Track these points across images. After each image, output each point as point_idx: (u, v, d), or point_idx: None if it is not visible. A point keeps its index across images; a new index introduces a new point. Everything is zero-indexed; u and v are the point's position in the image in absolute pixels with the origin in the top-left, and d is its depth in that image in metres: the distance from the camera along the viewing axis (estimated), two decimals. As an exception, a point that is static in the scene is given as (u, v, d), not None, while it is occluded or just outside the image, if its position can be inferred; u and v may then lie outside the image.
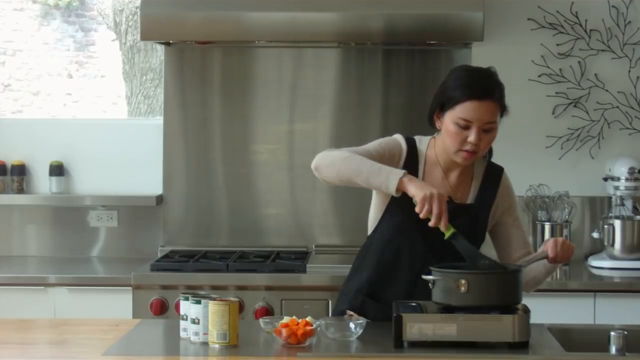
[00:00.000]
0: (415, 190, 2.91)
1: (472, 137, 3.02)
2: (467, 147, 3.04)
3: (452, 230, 2.94)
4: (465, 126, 3.03)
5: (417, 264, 3.09)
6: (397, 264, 3.14)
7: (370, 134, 4.47)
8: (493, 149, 3.25)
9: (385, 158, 3.11)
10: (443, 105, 3.07)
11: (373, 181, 2.97)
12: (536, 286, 3.19)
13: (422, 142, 3.19)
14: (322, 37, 4.44)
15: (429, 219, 2.92)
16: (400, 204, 3.06)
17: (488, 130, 3.05)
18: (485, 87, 3.04)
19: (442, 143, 3.13)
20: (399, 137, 3.19)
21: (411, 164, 3.14)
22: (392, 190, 2.94)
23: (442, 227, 2.92)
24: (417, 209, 2.91)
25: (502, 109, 3.09)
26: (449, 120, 3.05)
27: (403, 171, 2.96)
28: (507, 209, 3.22)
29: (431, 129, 3.17)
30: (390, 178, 2.94)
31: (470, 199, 3.17)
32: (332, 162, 3.04)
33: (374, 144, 3.16)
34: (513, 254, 3.21)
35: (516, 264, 3.12)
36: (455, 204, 3.12)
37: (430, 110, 3.13)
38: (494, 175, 3.21)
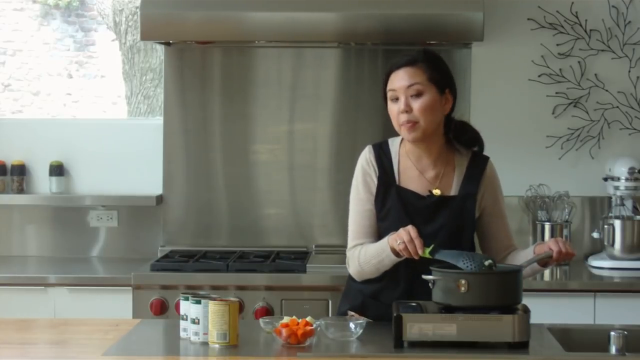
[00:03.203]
0: (391, 240, 3.01)
1: (400, 105, 3.08)
2: (402, 118, 3.08)
3: (429, 248, 2.95)
4: (395, 97, 3.10)
5: (416, 262, 3.09)
6: (396, 268, 3.14)
7: (370, 134, 4.47)
8: (484, 142, 3.25)
9: (370, 194, 3.18)
10: (384, 93, 3.16)
11: (388, 264, 3.10)
12: None
13: (394, 142, 3.24)
14: (322, 37, 4.44)
15: (426, 257, 2.97)
16: (393, 209, 3.13)
17: (415, 95, 3.08)
18: (403, 57, 3.13)
19: None
20: (362, 155, 3.24)
21: (384, 168, 3.18)
22: (395, 258, 3.05)
23: (419, 251, 2.93)
24: (401, 253, 2.99)
25: (432, 76, 3.09)
26: (388, 101, 3.14)
27: (386, 239, 3.06)
28: (492, 199, 3.22)
29: None
30: (388, 256, 3.05)
31: (453, 191, 3.17)
32: (361, 274, 3.19)
33: (356, 201, 3.21)
34: (495, 245, 3.22)
35: (516, 264, 3.12)
36: (436, 197, 3.14)
37: (385, 108, 3.18)
38: (478, 165, 3.21)
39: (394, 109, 3.11)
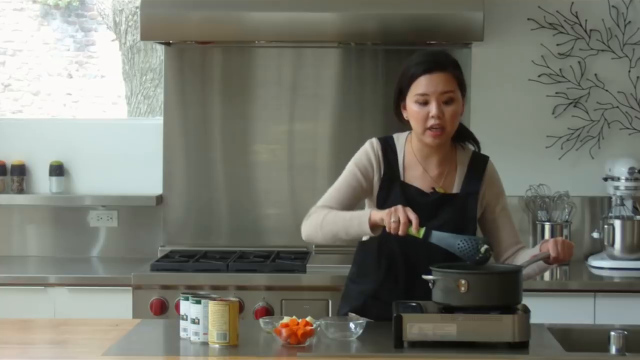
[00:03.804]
0: (382, 215, 2.96)
1: (432, 110, 3.06)
2: (431, 122, 3.07)
3: (422, 230, 2.94)
4: (424, 101, 3.07)
5: (414, 261, 3.10)
6: (393, 264, 3.15)
7: (370, 134, 4.43)
8: (483, 143, 3.26)
9: (362, 178, 3.17)
10: (402, 92, 3.13)
11: (352, 232, 3.06)
12: (525, 280, 3.17)
13: (400, 138, 3.23)
14: (322, 37, 4.44)
15: (416, 237, 2.95)
16: (396, 204, 3.07)
17: (448, 101, 3.08)
18: (434, 61, 3.10)
19: (415, 133, 3.16)
20: (368, 145, 3.23)
21: (390, 162, 3.18)
22: (368, 232, 3.01)
23: (414, 231, 2.92)
24: (387, 229, 2.94)
25: (460, 83, 3.12)
26: (409, 102, 3.11)
27: (369, 211, 3.03)
28: (494, 197, 3.23)
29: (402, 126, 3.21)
30: (362, 221, 3.01)
31: (455, 189, 3.19)
32: (315, 230, 3.15)
33: (348, 172, 3.20)
34: (503, 242, 3.23)
35: (516, 263, 3.12)
36: (440, 194, 3.14)
37: (394, 105, 3.18)
38: (478, 164, 3.22)
39: (420, 113, 3.07)
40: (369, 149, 3.21)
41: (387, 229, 2.94)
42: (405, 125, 3.19)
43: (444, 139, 3.12)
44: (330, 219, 3.10)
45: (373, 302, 3.19)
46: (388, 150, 3.20)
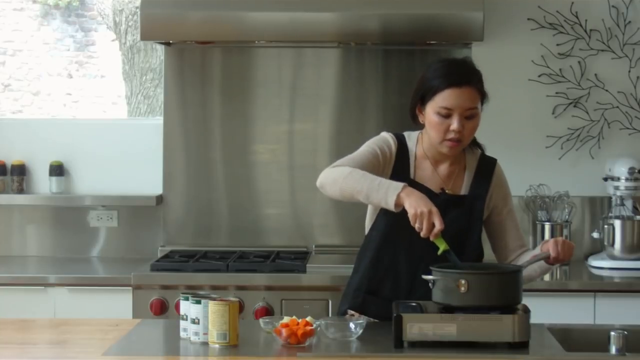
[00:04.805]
0: (409, 207, 2.93)
1: (454, 124, 3.06)
2: (451, 135, 3.07)
3: (444, 246, 2.96)
4: (447, 114, 3.07)
5: (416, 258, 3.10)
6: (395, 259, 3.16)
7: (370, 134, 4.43)
8: (485, 145, 3.28)
9: (381, 158, 3.15)
10: (423, 97, 3.12)
11: (373, 198, 3.00)
12: (528, 282, 3.19)
13: (411, 137, 3.23)
14: (322, 37, 4.44)
15: (435, 245, 2.97)
16: None
17: (470, 117, 3.08)
18: (462, 73, 3.09)
19: (428, 137, 3.16)
20: (387, 135, 3.23)
21: (402, 159, 3.18)
22: (391, 206, 2.96)
23: (431, 236, 2.93)
24: (412, 224, 2.94)
25: (482, 96, 3.13)
26: (431, 111, 3.09)
27: (402, 185, 2.97)
28: (501, 200, 3.24)
29: (414, 126, 3.21)
30: (389, 194, 2.96)
31: (463, 191, 3.19)
32: (335, 180, 3.06)
33: (369, 148, 3.18)
34: (508, 245, 3.23)
35: (517, 264, 3.13)
36: (448, 195, 3.15)
37: (411, 106, 3.18)
38: (487, 167, 3.23)
39: (442, 125, 3.07)
40: (390, 139, 3.20)
41: (412, 224, 2.93)
42: (417, 127, 3.20)
43: (460, 149, 3.14)
44: (358, 175, 3.02)
45: (372, 299, 3.18)
46: (402, 147, 3.20)
